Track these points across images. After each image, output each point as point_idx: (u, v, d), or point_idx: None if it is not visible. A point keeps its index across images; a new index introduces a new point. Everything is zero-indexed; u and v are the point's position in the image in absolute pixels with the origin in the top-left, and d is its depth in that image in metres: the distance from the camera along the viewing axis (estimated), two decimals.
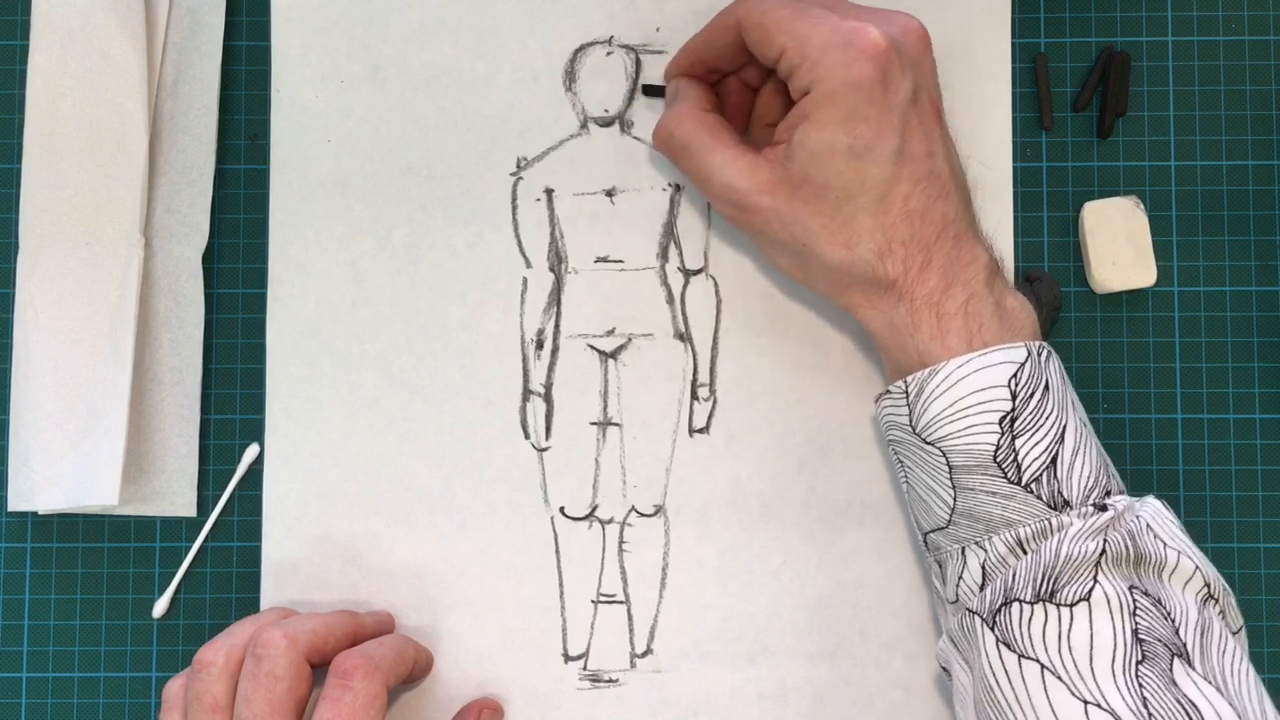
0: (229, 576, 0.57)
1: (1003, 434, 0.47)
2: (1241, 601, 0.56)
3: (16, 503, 0.56)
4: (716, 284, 0.57)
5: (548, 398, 0.57)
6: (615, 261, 0.57)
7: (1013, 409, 0.47)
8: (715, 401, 0.57)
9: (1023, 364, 0.47)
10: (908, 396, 0.49)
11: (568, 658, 0.56)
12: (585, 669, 0.56)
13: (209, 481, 0.57)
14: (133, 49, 0.56)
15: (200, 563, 0.57)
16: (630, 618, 0.56)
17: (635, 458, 0.57)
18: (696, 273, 0.57)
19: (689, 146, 0.52)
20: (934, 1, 0.58)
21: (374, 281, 0.57)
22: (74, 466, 0.55)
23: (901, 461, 0.51)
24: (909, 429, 0.49)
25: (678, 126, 0.52)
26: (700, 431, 0.57)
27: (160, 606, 0.56)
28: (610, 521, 0.57)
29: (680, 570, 0.56)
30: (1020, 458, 0.47)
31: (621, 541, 0.57)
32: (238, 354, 0.57)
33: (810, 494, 0.56)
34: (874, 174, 0.48)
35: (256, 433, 0.57)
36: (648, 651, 0.56)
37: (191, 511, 0.57)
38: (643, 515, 0.57)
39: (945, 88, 0.57)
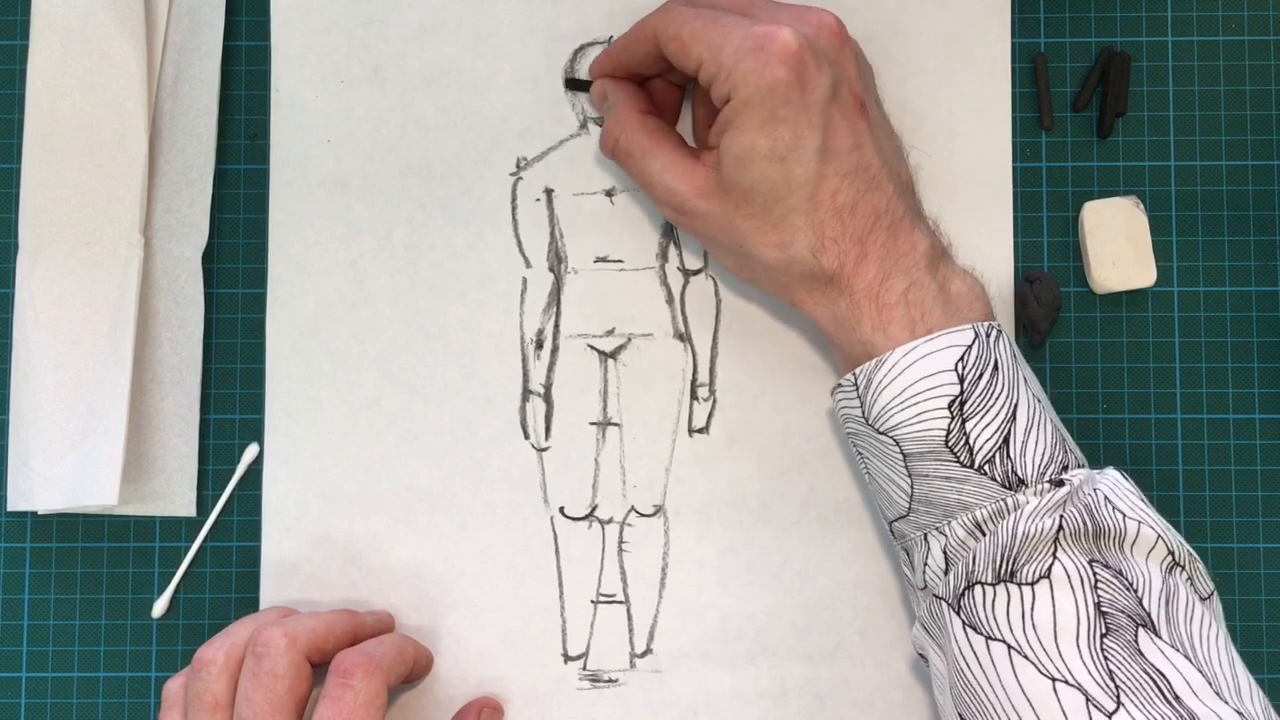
0: (229, 576, 0.57)
1: (952, 418, 0.47)
2: (1241, 601, 0.56)
3: (16, 503, 0.56)
4: (716, 284, 0.57)
5: (547, 398, 0.57)
6: (615, 261, 0.57)
7: (961, 392, 0.47)
8: (715, 401, 0.57)
9: (969, 347, 0.48)
10: (858, 389, 0.49)
11: (567, 658, 0.56)
12: (585, 669, 0.56)
13: (209, 481, 0.57)
14: (133, 49, 0.56)
15: (200, 563, 0.57)
16: (630, 618, 0.56)
17: (635, 458, 0.57)
18: (696, 273, 0.57)
19: (631, 152, 0.53)
20: (934, 2, 0.58)
21: (374, 281, 0.57)
22: (74, 466, 0.55)
23: (860, 453, 0.51)
24: (862, 420, 0.49)
25: (620, 132, 0.53)
26: (700, 431, 0.57)
27: (160, 606, 0.56)
28: (610, 521, 0.57)
29: (680, 570, 0.56)
30: (971, 440, 0.47)
31: (621, 541, 0.57)
32: (238, 354, 0.57)
33: (810, 494, 0.56)
34: (799, 174, 0.48)
35: (256, 433, 0.57)
36: (647, 651, 0.56)
37: (191, 511, 0.57)
38: (642, 515, 0.57)
39: (945, 88, 0.57)
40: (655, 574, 0.56)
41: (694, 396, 0.57)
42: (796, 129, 0.48)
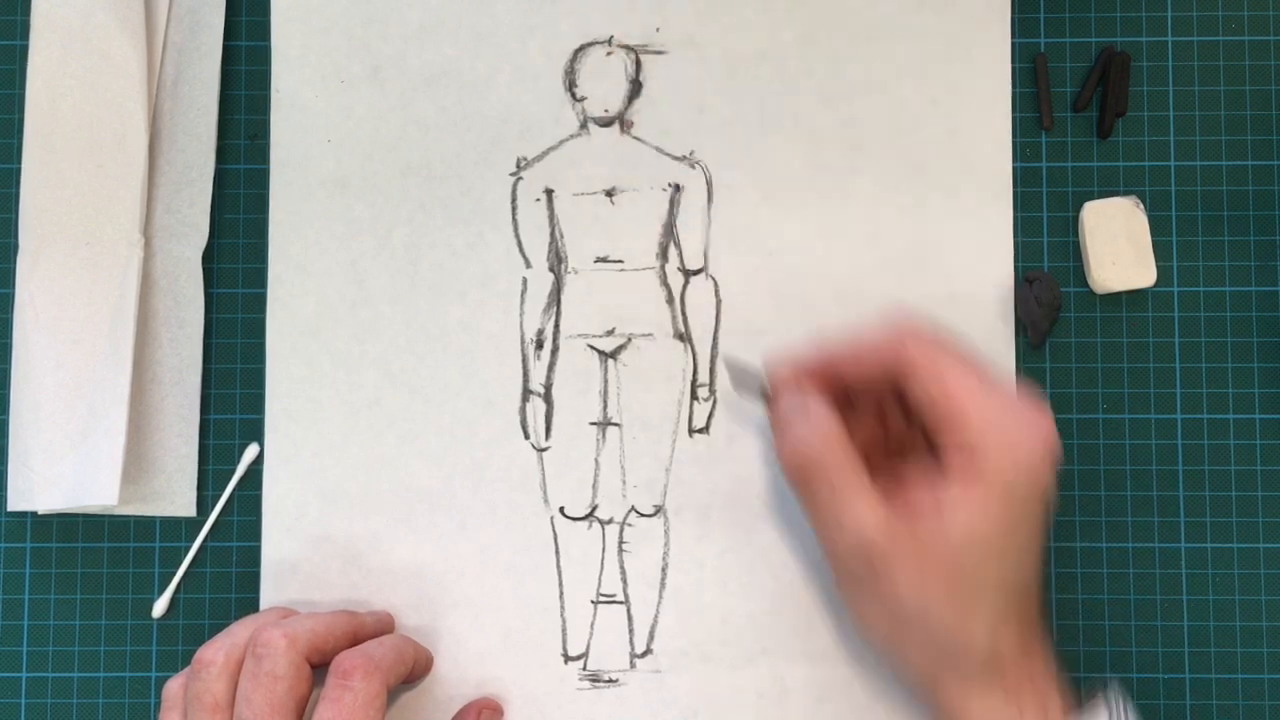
0: (229, 576, 0.57)
1: None
2: (1241, 601, 0.56)
3: (16, 503, 0.56)
4: (716, 284, 0.57)
5: (548, 398, 0.57)
6: (615, 261, 0.57)
7: None
8: (715, 401, 0.57)
9: None
10: None
11: (567, 658, 0.56)
12: (585, 669, 0.56)
13: (209, 481, 0.57)
14: (133, 49, 0.56)
15: (200, 563, 0.57)
16: (630, 618, 0.56)
17: (635, 458, 0.57)
18: (696, 273, 0.57)
19: (828, 470, 0.48)
20: (934, 2, 0.58)
21: (374, 281, 0.57)
22: (74, 466, 0.55)
23: None
24: None
25: (821, 445, 0.48)
26: (700, 431, 0.57)
27: (160, 606, 0.56)
28: (610, 521, 0.57)
29: (680, 570, 0.56)
30: None
31: (621, 541, 0.57)
32: (238, 354, 0.57)
33: None
34: (1012, 563, 0.47)
35: (256, 433, 0.57)
36: (647, 651, 0.56)
37: (191, 511, 0.57)
38: (643, 515, 0.57)
39: (945, 87, 0.57)
40: (655, 574, 0.56)
41: (694, 396, 0.57)
42: (1028, 520, 0.47)
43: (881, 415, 0.52)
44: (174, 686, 0.51)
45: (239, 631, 0.51)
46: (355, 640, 0.52)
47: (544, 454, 0.57)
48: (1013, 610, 0.48)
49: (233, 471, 0.57)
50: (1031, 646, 0.49)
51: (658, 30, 0.58)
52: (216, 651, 0.50)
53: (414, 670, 0.53)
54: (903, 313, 0.51)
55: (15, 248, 0.57)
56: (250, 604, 0.56)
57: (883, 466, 0.50)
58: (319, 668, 0.51)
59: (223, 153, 0.58)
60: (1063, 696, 0.49)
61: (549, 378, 0.57)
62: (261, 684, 0.49)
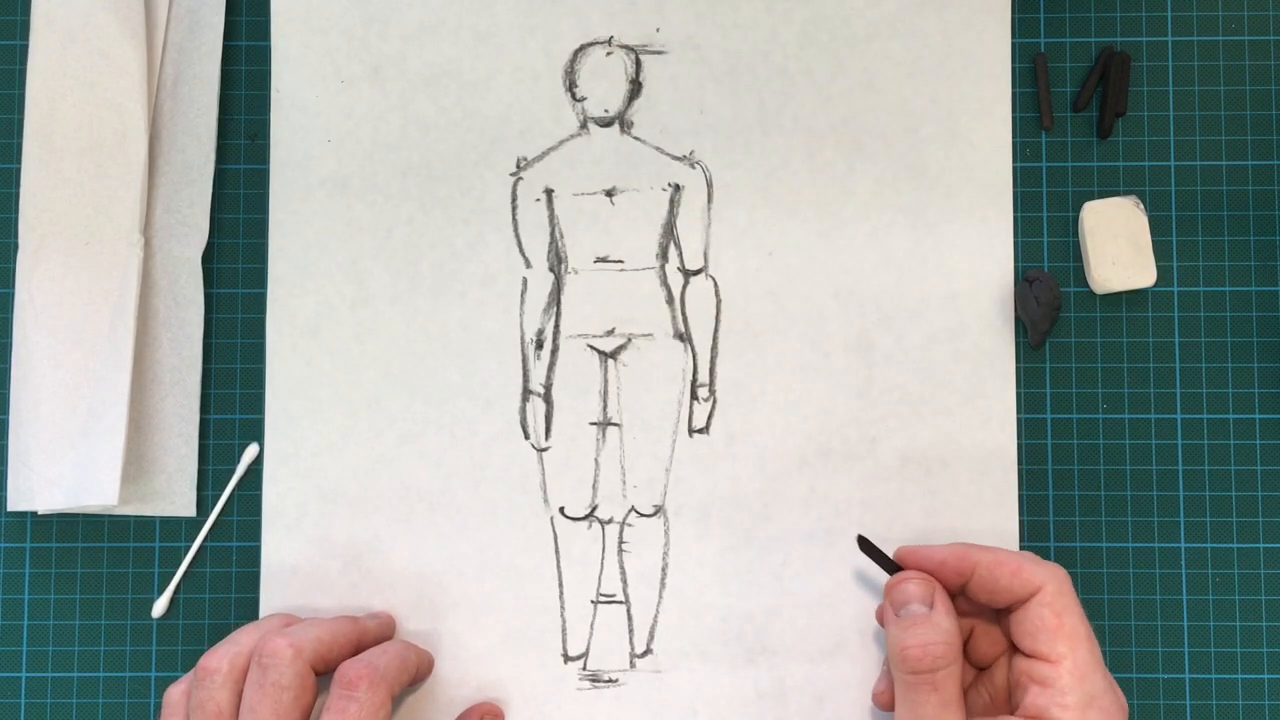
0: (228, 576, 0.57)
1: None
2: (1241, 601, 0.56)
3: (16, 503, 0.56)
4: (716, 284, 0.57)
5: (547, 398, 0.57)
6: (615, 261, 0.57)
7: None
8: (715, 401, 0.57)
9: None
10: None
11: (567, 658, 0.56)
12: (585, 669, 0.56)
13: (209, 481, 0.57)
14: (133, 49, 0.56)
15: (200, 563, 0.57)
16: (630, 618, 0.56)
17: (635, 458, 0.57)
18: (696, 273, 0.57)
19: (937, 679, 0.49)
20: (934, 2, 0.58)
21: (374, 281, 0.57)
22: (74, 466, 0.55)
23: None
24: None
25: (943, 654, 0.49)
26: (700, 431, 0.57)
27: (160, 606, 0.56)
28: (610, 522, 0.57)
29: (680, 570, 0.56)
30: None
31: (621, 541, 0.57)
32: (238, 354, 0.57)
33: (810, 494, 0.56)
34: None
35: (256, 433, 0.57)
36: (647, 651, 0.56)
37: (191, 511, 0.57)
38: (642, 515, 0.57)
39: (945, 88, 0.57)
40: (655, 574, 0.56)
41: (694, 396, 0.57)
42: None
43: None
44: (176, 693, 0.51)
45: (242, 639, 0.51)
46: (359, 647, 0.52)
47: (544, 454, 0.57)
48: None
49: (233, 471, 0.57)
50: None
51: (658, 30, 0.58)
52: (220, 660, 0.50)
53: (416, 675, 0.53)
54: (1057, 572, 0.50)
55: (15, 248, 0.57)
56: (250, 604, 0.56)
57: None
58: (323, 675, 0.51)
59: (223, 153, 0.58)
60: None
61: (549, 378, 0.57)
62: (267, 694, 0.49)
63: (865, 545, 0.53)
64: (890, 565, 0.53)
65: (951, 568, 0.51)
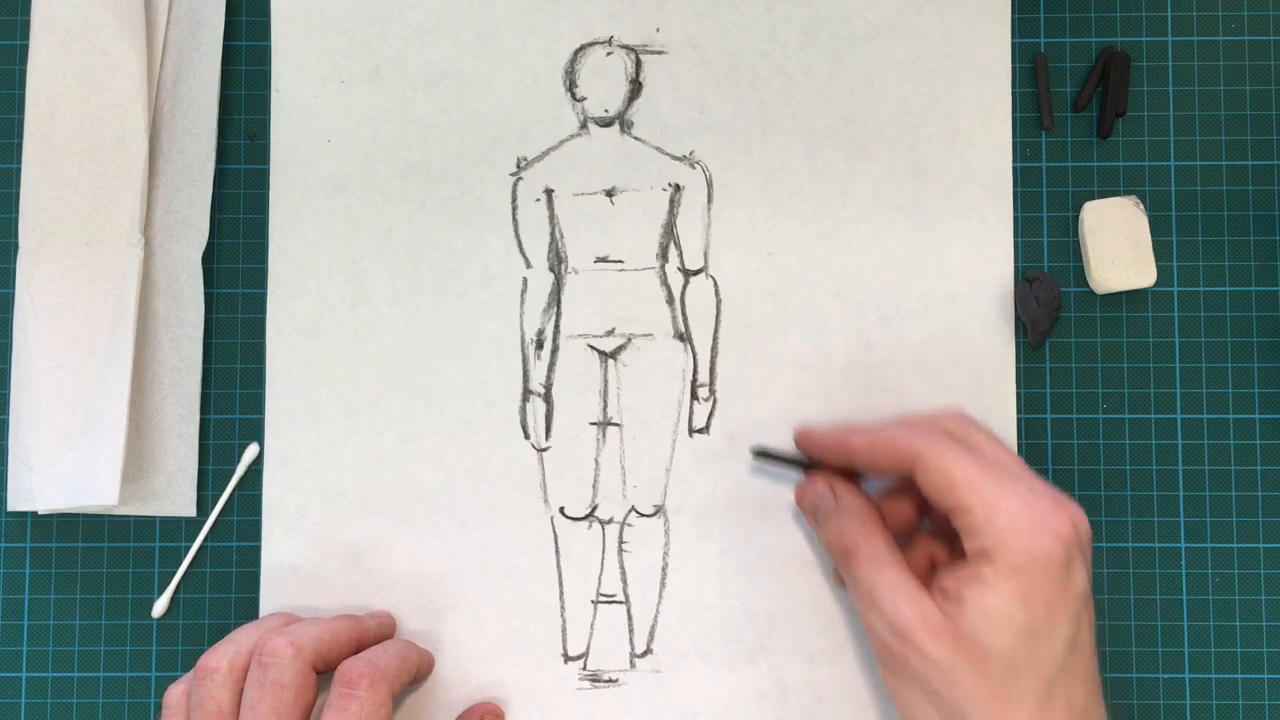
0: (229, 576, 0.57)
1: None
2: (1241, 601, 0.56)
3: (16, 503, 0.56)
4: (716, 284, 0.57)
5: (548, 398, 0.57)
6: (615, 261, 0.57)
7: None
8: (715, 401, 0.57)
9: None
10: None
11: (568, 658, 0.56)
12: (585, 669, 0.56)
13: (209, 481, 0.57)
14: (133, 49, 0.56)
15: (200, 563, 0.57)
16: (630, 618, 0.56)
17: (635, 458, 0.57)
18: (696, 273, 0.57)
19: (867, 559, 0.50)
20: (934, 2, 0.58)
21: (374, 281, 0.57)
22: (74, 466, 0.55)
23: None
24: None
25: (859, 534, 0.51)
26: (700, 431, 0.57)
27: (160, 606, 0.56)
28: (610, 521, 0.57)
29: (680, 570, 0.56)
30: None
31: (621, 541, 0.57)
32: (238, 354, 0.57)
33: None
34: (1046, 658, 0.47)
35: (256, 433, 0.57)
36: (647, 651, 0.56)
37: (191, 511, 0.57)
38: (643, 515, 0.57)
39: (945, 88, 0.57)
40: (655, 574, 0.56)
41: (694, 396, 0.57)
42: (1054, 613, 0.47)
43: (922, 502, 0.53)
44: (176, 693, 0.51)
45: (242, 638, 0.51)
46: (359, 646, 0.52)
47: (544, 454, 0.57)
48: (1059, 708, 0.47)
49: (233, 471, 0.57)
50: None
51: (658, 30, 0.58)
52: (220, 659, 0.50)
53: (416, 674, 0.53)
54: (934, 418, 0.51)
55: (15, 248, 0.57)
56: (250, 604, 0.56)
57: (923, 551, 0.53)
58: (323, 674, 0.51)
59: (223, 153, 0.58)
60: None
61: (549, 378, 0.57)
62: (268, 692, 0.49)
63: (764, 455, 0.55)
64: (792, 463, 0.54)
65: (835, 455, 0.53)
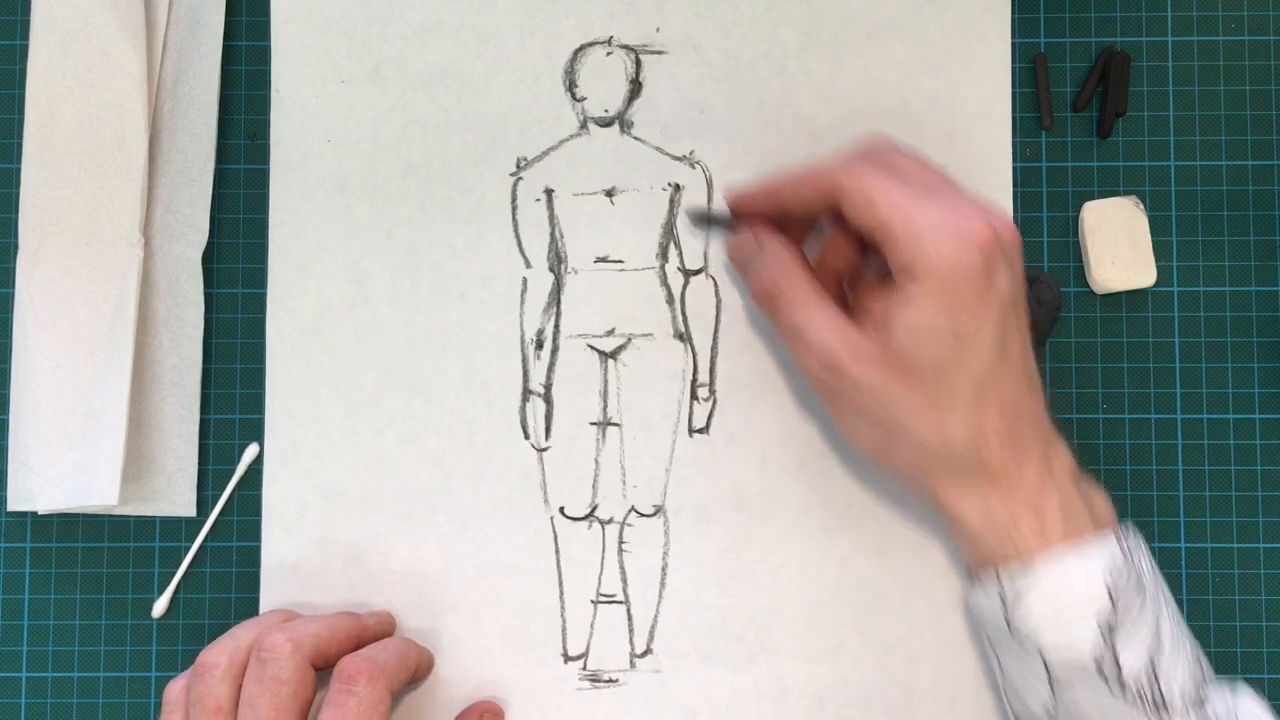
0: (229, 576, 0.57)
1: (1104, 640, 0.47)
2: (1241, 602, 0.56)
3: (16, 503, 0.56)
4: (716, 284, 0.57)
5: (548, 398, 0.57)
6: (615, 261, 0.57)
7: (1113, 610, 0.47)
8: (715, 401, 0.57)
9: (1117, 559, 0.48)
10: (1001, 591, 0.49)
11: (567, 658, 0.56)
12: (585, 669, 0.56)
13: (209, 481, 0.57)
14: (133, 49, 0.56)
15: (200, 563, 0.57)
16: (630, 618, 0.56)
17: (635, 458, 0.57)
18: (696, 273, 0.57)
19: (792, 302, 0.51)
20: (934, 2, 0.58)
21: (374, 281, 0.57)
22: (74, 466, 0.55)
23: (994, 649, 0.51)
24: (1004, 626, 0.49)
25: (781, 279, 0.51)
26: (700, 431, 0.57)
27: (160, 606, 0.56)
28: (610, 521, 0.57)
29: (680, 570, 0.56)
30: (1121, 663, 0.47)
31: (621, 541, 0.57)
32: (238, 354, 0.57)
33: (810, 494, 0.56)
34: (973, 363, 0.48)
35: (256, 433, 0.57)
36: (647, 651, 0.56)
37: (191, 511, 0.57)
38: (642, 515, 0.57)
39: (946, 88, 0.57)
40: (655, 574, 0.56)
41: (694, 396, 0.57)
42: (979, 318, 0.47)
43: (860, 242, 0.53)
44: (175, 689, 0.51)
45: (242, 635, 0.51)
46: (359, 643, 0.52)
47: (544, 454, 0.57)
48: (999, 420, 0.48)
49: (233, 471, 0.57)
50: (1028, 459, 0.49)
51: (658, 30, 0.58)
52: (219, 655, 0.50)
53: (416, 672, 0.53)
54: (855, 145, 0.52)
55: (15, 248, 0.57)
56: (250, 604, 0.56)
57: (860, 290, 0.53)
58: (322, 671, 0.51)
59: (223, 153, 0.58)
60: (1071, 519, 0.48)
61: (549, 378, 0.57)
62: (266, 688, 0.49)
63: (698, 217, 0.55)
64: (725, 223, 0.55)
65: (764, 204, 0.53)
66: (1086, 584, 0.47)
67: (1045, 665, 0.48)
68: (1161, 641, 0.47)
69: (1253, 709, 0.48)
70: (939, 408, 0.48)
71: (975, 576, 0.50)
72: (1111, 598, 0.47)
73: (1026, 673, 0.49)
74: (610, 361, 0.57)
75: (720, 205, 0.57)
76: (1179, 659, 0.48)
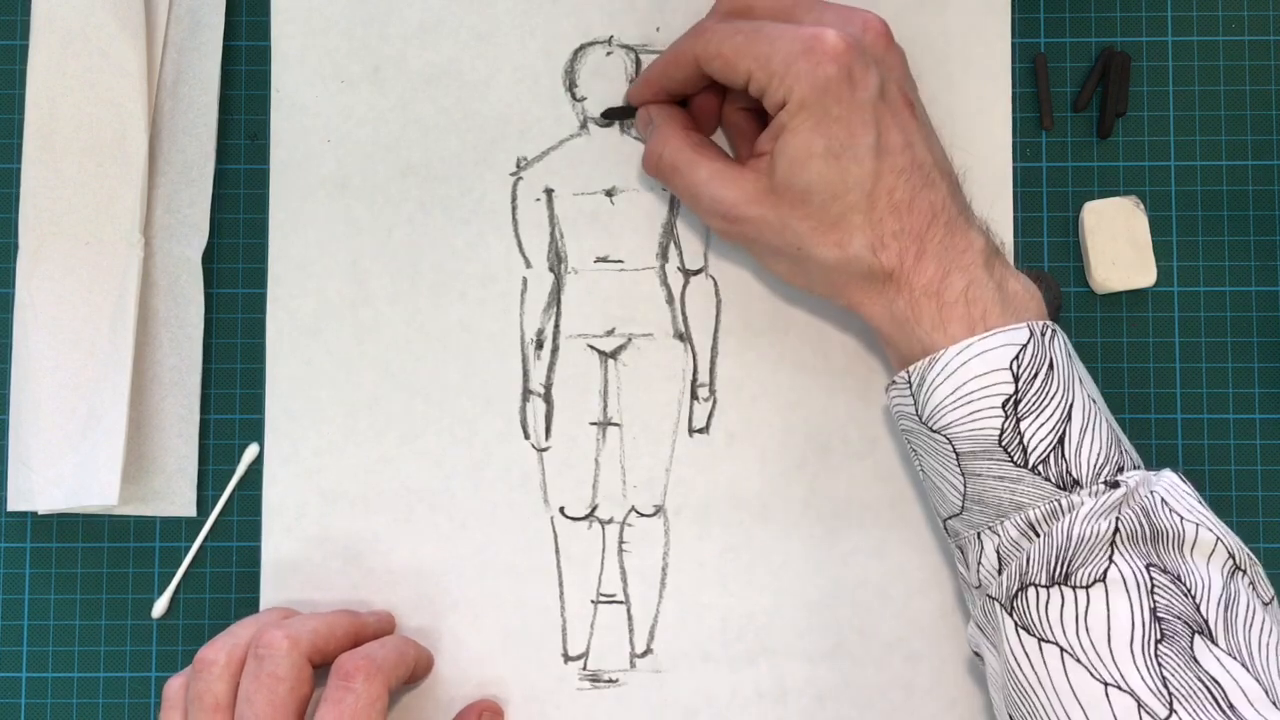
0: (229, 576, 0.57)
1: (1006, 417, 0.47)
2: None
3: (16, 503, 0.56)
4: (716, 284, 0.57)
5: (548, 398, 0.57)
6: (615, 261, 0.57)
7: (1015, 391, 0.47)
8: (715, 401, 0.57)
9: (1024, 345, 0.47)
10: (911, 386, 0.49)
11: (568, 658, 0.56)
12: (585, 669, 0.56)
13: (209, 481, 0.57)
14: (133, 49, 0.56)
15: (200, 563, 0.57)
16: (630, 618, 0.56)
17: (635, 458, 0.57)
18: (696, 273, 0.57)
19: (677, 166, 0.53)
20: (934, 2, 0.58)
21: (374, 281, 0.57)
22: (74, 466, 0.55)
23: (914, 450, 0.51)
24: (916, 418, 0.49)
25: (664, 148, 0.53)
26: (700, 431, 0.57)
27: (160, 606, 0.56)
28: (610, 521, 0.57)
29: (680, 570, 0.56)
30: (1026, 440, 0.47)
31: (621, 541, 0.57)
32: (238, 354, 0.57)
33: (810, 494, 0.56)
34: (855, 171, 0.49)
35: (256, 433, 0.57)
36: (647, 651, 0.56)
37: (191, 511, 0.57)
38: (643, 515, 0.57)
39: (945, 88, 0.57)
40: (655, 574, 0.56)
41: (694, 396, 0.57)
42: (850, 127, 0.48)
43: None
44: (175, 686, 0.51)
45: (240, 632, 0.51)
46: (357, 641, 0.52)
47: (544, 454, 0.57)
48: (894, 221, 0.49)
49: (233, 471, 0.57)
50: (927, 252, 0.49)
51: (658, 30, 0.58)
52: (218, 652, 0.50)
53: (415, 671, 0.53)
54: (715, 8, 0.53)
55: (15, 248, 0.57)
56: (250, 604, 0.56)
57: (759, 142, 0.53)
58: (320, 668, 0.51)
59: (223, 153, 0.58)
60: (976, 302, 0.48)
61: (549, 378, 0.57)
62: (263, 684, 0.49)
63: (608, 114, 0.57)
64: (630, 112, 0.57)
65: (654, 92, 0.55)
66: (989, 367, 0.47)
67: (953, 447, 0.48)
68: (1071, 420, 0.47)
69: (1173, 480, 0.48)
70: (835, 227, 0.49)
71: (894, 381, 0.51)
72: (1015, 378, 0.47)
73: (939, 464, 0.49)
74: (610, 361, 0.57)
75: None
76: (1093, 439, 0.47)
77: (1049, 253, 0.58)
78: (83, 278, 0.56)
